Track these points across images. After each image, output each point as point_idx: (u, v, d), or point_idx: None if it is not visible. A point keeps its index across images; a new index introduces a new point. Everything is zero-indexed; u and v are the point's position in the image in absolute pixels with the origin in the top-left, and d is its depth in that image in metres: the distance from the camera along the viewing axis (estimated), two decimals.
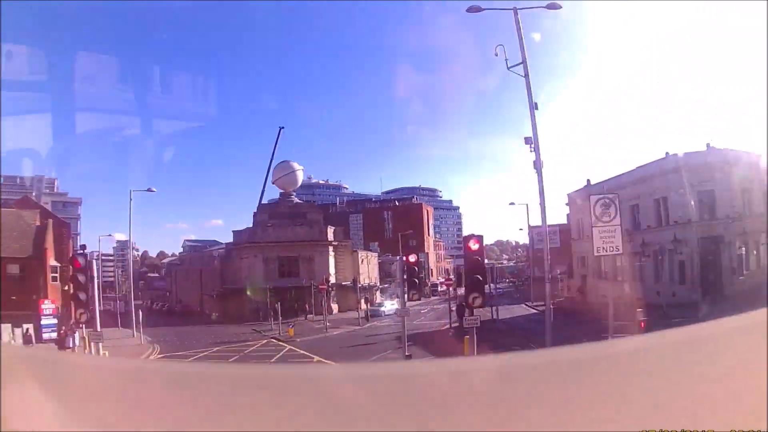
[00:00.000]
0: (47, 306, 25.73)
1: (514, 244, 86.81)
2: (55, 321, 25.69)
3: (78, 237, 64.31)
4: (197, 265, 52.83)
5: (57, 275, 31.55)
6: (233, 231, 47.58)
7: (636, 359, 1.63)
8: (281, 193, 47.84)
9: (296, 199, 48.86)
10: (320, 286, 37.45)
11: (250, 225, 46.57)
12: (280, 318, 31.87)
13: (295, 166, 48.27)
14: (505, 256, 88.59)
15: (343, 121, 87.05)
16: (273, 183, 47.75)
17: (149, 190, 30.88)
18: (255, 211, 46.67)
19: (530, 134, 21.80)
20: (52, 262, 31.18)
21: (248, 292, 41.29)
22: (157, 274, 70.74)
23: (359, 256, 49.54)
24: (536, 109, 21.87)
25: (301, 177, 49.05)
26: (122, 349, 25.45)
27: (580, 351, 1.78)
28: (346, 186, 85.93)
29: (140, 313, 29.02)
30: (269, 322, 33.60)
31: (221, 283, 45.33)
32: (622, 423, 1.41)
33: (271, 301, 36.04)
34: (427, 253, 66.45)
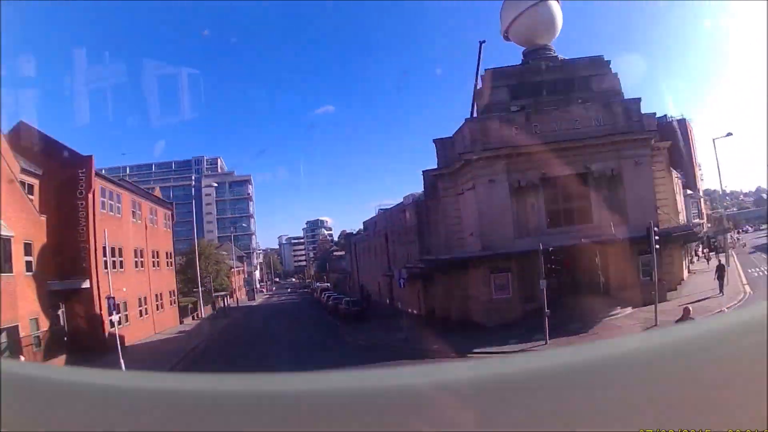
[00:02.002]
0: None
1: None
2: None
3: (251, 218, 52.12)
4: (382, 230, 31.15)
5: None
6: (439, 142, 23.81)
7: (633, 360, 1.47)
8: (525, 52, 22.21)
9: (560, 56, 22.44)
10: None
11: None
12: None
13: None
14: None
15: None
16: (505, 35, 22.52)
17: None
18: (476, 83, 22.13)
19: None
20: None
21: (482, 265, 17.49)
22: (343, 253, 53.12)
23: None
24: None
25: (559, 14, 22.47)
26: None
27: (575, 353, 1.49)
28: None
29: None
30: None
31: (419, 251, 22.40)
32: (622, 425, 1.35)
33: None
34: None
